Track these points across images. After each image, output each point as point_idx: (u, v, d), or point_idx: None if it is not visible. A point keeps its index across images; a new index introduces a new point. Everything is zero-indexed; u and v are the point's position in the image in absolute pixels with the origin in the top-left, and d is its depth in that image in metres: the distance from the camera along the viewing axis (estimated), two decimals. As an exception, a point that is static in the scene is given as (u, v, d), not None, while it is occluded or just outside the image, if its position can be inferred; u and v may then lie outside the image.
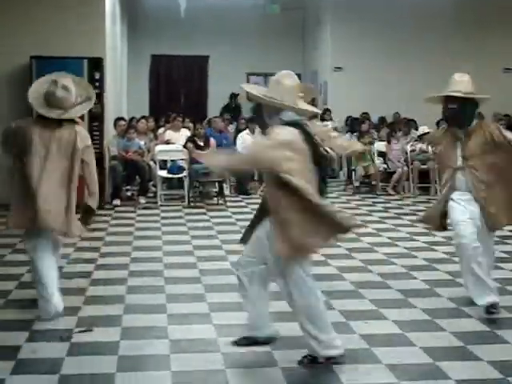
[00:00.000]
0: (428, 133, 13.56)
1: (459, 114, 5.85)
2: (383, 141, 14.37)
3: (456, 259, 7.89)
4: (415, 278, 7.17)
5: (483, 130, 5.88)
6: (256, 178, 14.17)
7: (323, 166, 4.83)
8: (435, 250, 8.46)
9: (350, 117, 16.73)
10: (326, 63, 17.93)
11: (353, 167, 13.95)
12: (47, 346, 5.19)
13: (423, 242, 8.87)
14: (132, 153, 12.32)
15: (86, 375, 4.71)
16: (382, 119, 16.66)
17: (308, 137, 4.72)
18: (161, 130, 14.81)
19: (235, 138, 14.51)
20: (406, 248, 8.63)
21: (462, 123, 5.88)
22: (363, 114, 16.71)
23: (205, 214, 11.19)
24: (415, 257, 8.12)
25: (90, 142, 5.98)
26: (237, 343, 5.17)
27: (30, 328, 5.56)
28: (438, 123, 14.56)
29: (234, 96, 19.50)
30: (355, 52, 17.19)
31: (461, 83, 5.87)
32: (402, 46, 17.05)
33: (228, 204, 12.01)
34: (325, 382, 4.65)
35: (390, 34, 17.20)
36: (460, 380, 4.62)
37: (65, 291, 6.56)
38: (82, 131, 5.94)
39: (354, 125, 15.86)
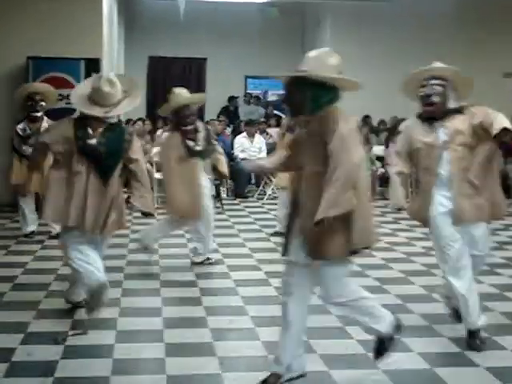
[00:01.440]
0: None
1: (286, 98, 4.49)
2: (382, 145, 14.36)
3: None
4: (413, 283, 7.14)
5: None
6: (253, 181, 14.18)
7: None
8: (433, 256, 8.39)
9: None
10: (324, 67, 17.89)
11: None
12: (42, 349, 5.14)
13: (421, 247, 8.84)
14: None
15: (81, 378, 4.67)
16: (382, 122, 16.62)
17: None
18: (158, 132, 14.75)
19: (232, 140, 14.48)
20: (403, 253, 8.59)
21: (294, 110, 4.46)
22: (365, 117, 16.67)
23: (201, 216, 11.13)
24: (413, 262, 8.08)
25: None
26: None
27: (24, 330, 5.52)
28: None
29: (232, 99, 19.45)
30: (354, 56, 17.10)
31: (305, 62, 4.58)
32: (402, 48, 16.96)
33: (225, 207, 11.97)
34: (321, 387, 4.62)
35: (390, 37, 17.16)
36: (458, 386, 4.61)
37: (59, 294, 6.53)
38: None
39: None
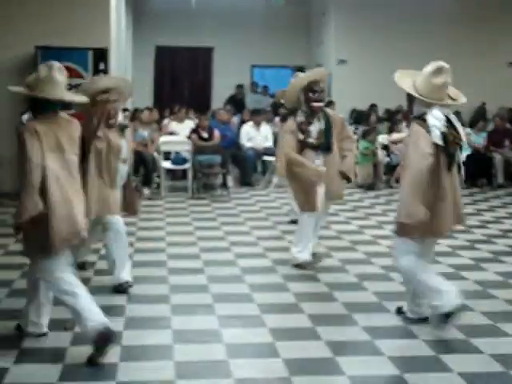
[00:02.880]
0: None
1: None
2: (387, 134, 14.36)
3: (459, 252, 7.93)
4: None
5: None
6: (259, 169, 14.21)
7: None
8: (438, 243, 8.44)
9: (354, 110, 16.71)
10: (330, 56, 17.92)
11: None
12: (51, 336, 5.21)
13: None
14: (136, 144, 12.32)
15: (90, 365, 4.73)
16: (388, 112, 16.62)
17: None
18: (165, 122, 14.82)
19: (239, 129, 14.51)
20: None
21: None
22: (371, 106, 16.66)
23: (208, 205, 11.20)
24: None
25: None
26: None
27: (33, 317, 5.57)
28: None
29: (239, 87, 19.48)
30: (359, 45, 17.16)
31: None
32: (407, 37, 16.99)
33: (231, 195, 12.02)
34: (326, 373, 4.66)
35: (394, 26, 17.16)
36: (462, 372, 4.64)
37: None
38: None
39: (359, 117, 15.83)
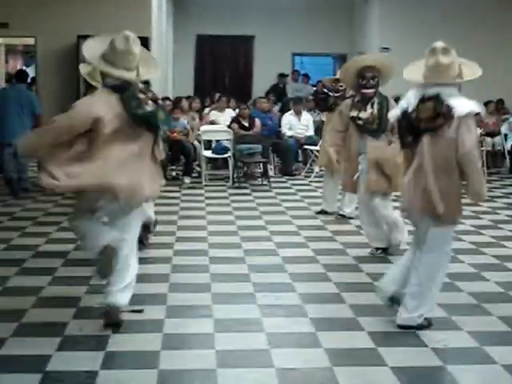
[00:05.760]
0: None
1: None
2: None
3: (504, 243, 7.81)
4: (462, 262, 7.07)
5: None
6: (300, 159, 14.16)
7: None
8: (483, 234, 8.34)
9: (398, 98, 16.53)
10: (373, 43, 17.72)
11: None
12: (94, 323, 5.22)
13: (470, 226, 8.74)
14: (177, 133, 12.35)
15: (131, 352, 4.76)
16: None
17: None
18: (206, 111, 14.83)
19: (280, 118, 14.46)
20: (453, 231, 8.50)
21: None
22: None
23: (249, 194, 11.19)
24: (462, 240, 8.00)
25: None
26: None
27: (76, 305, 5.62)
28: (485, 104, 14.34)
29: (282, 76, 19.40)
30: (403, 32, 16.93)
31: None
32: (451, 24, 16.69)
33: (272, 185, 11.99)
34: (369, 364, 4.62)
35: (438, 13, 16.90)
36: (506, 365, 4.56)
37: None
38: None
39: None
